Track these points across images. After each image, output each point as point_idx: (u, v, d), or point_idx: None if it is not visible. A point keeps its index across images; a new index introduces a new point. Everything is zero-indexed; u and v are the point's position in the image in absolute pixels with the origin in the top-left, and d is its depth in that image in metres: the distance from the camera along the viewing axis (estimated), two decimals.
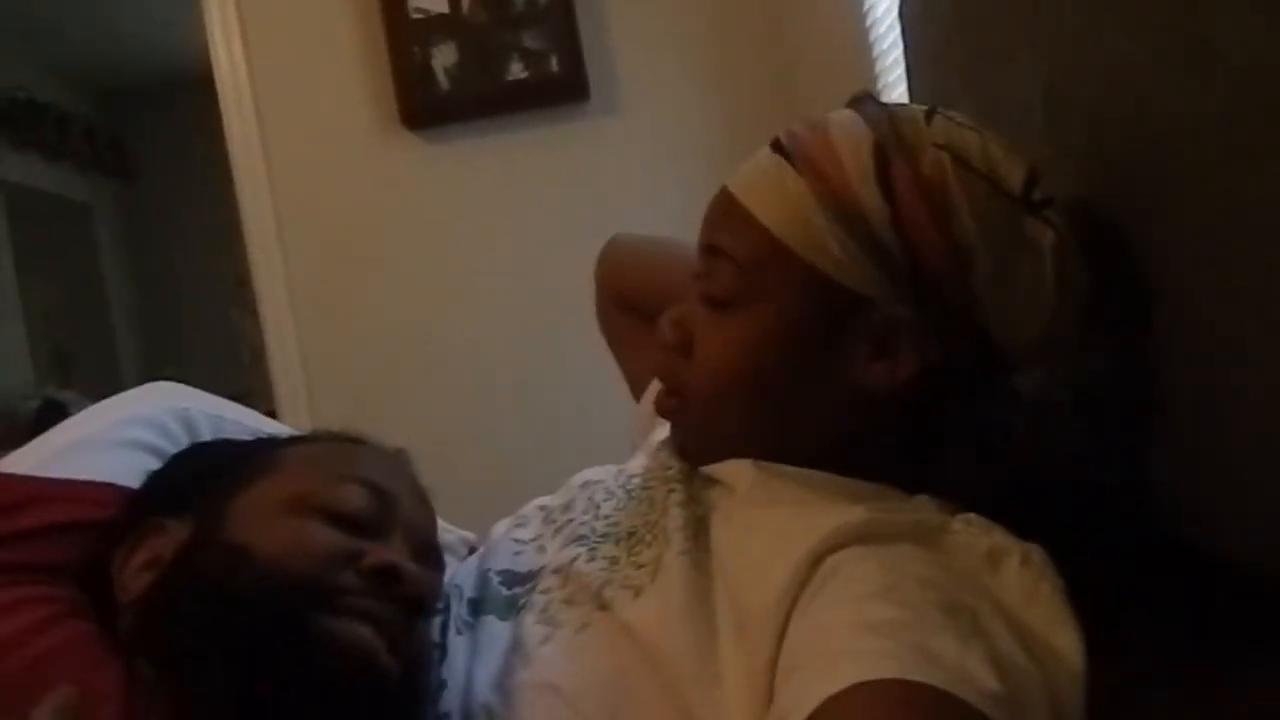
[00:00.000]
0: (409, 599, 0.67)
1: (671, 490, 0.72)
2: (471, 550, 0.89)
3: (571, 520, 0.79)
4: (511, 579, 0.76)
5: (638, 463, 0.82)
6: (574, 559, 0.71)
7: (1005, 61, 0.81)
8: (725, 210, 0.70)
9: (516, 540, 0.81)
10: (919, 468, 0.67)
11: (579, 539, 0.74)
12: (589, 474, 0.86)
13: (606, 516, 0.76)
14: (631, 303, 1.02)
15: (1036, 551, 0.59)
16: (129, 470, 0.76)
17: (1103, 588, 0.61)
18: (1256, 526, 0.57)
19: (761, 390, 0.68)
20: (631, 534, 0.71)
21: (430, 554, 0.74)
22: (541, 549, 0.78)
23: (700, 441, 0.73)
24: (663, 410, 0.76)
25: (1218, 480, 0.60)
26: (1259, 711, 0.53)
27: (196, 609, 0.64)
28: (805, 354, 0.67)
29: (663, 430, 0.80)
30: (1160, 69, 0.58)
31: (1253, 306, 0.53)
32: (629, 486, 0.78)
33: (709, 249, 0.70)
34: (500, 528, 0.85)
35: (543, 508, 0.85)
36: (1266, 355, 0.52)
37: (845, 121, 0.68)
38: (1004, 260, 0.63)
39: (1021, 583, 0.58)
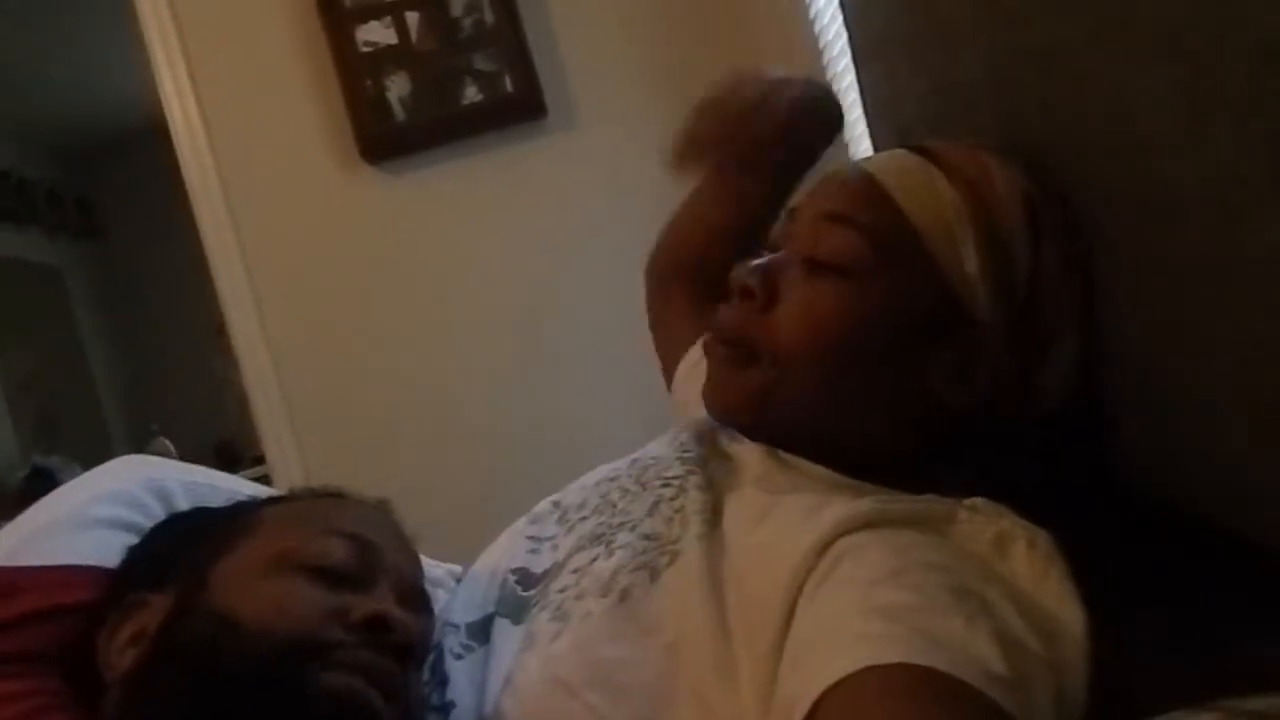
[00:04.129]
0: (400, 647, 0.67)
1: (691, 472, 0.72)
2: (458, 580, 0.88)
3: (586, 519, 0.78)
4: (527, 579, 0.76)
5: (655, 449, 0.82)
6: (593, 559, 0.71)
7: (951, 44, 0.81)
8: (862, 186, 0.71)
9: (532, 538, 0.81)
10: (932, 481, 0.68)
11: (597, 538, 0.73)
12: (602, 472, 0.85)
13: (625, 511, 0.75)
14: (698, 272, 1.01)
15: (1043, 536, 0.60)
16: (106, 550, 0.75)
17: (1101, 562, 0.61)
18: (1243, 496, 0.57)
19: (849, 361, 0.68)
20: (651, 514, 0.71)
21: (418, 600, 0.74)
22: (556, 548, 0.78)
23: (760, 396, 0.71)
24: (714, 353, 0.75)
25: (1204, 451, 0.60)
26: (1256, 676, 0.52)
27: (185, 680, 0.63)
28: (899, 342, 0.68)
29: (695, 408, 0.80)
30: (1102, 48, 0.57)
31: (1197, 278, 0.53)
32: (644, 478, 0.77)
33: (832, 216, 0.70)
34: (519, 524, 0.85)
35: (556, 504, 0.84)
36: (1210, 326, 0.52)
37: (996, 157, 0.71)
38: (1082, 345, 0.68)
39: (1030, 566, 0.58)
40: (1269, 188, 0.46)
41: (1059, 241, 0.68)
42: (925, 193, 0.69)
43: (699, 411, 0.79)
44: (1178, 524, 0.62)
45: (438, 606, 0.79)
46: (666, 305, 0.99)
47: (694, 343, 0.92)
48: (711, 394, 0.75)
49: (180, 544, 0.73)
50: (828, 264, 0.69)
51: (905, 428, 0.70)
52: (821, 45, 1.73)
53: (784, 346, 0.70)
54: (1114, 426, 0.67)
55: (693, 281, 1.03)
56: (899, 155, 0.72)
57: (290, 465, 2.25)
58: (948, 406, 0.68)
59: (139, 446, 4.51)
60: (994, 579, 0.57)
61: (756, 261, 0.72)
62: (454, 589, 0.87)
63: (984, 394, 0.68)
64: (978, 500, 0.63)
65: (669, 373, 1.03)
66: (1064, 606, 0.56)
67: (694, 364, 0.93)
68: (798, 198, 0.75)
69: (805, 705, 0.48)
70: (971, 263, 0.67)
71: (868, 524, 0.60)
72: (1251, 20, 0.43)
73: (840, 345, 0.68)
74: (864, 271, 0.68)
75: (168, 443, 4.50)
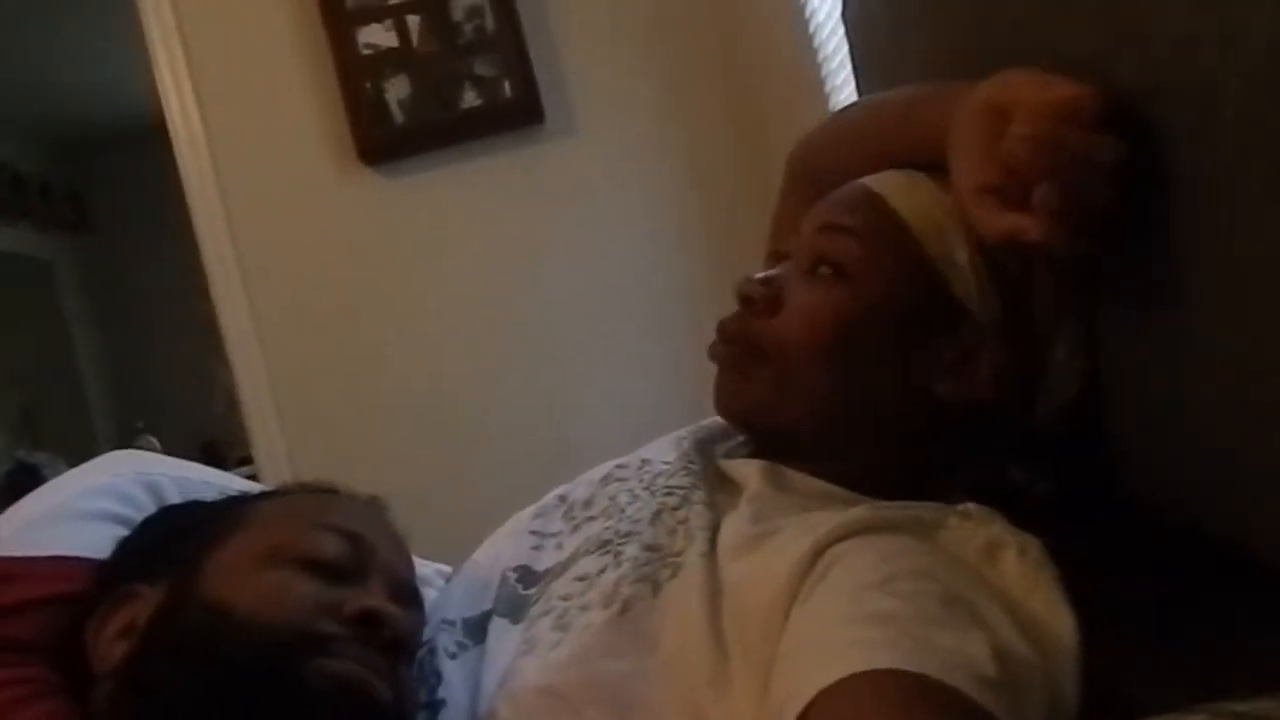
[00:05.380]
0: (391, 641, 0.67)
1: (695, 486, 0.73)
2: (448, 580, 0.88)
3: (592, 519, 0.78)
4: (528, 577, 0.76)
5: (662, 453, 0.82)
6: (602, 570, 0.71)
7: (954, 58, 0.82)
8: (857, 198, 0.73)
9: (536, 534, 0.81)
10: (929, 490, 0.68)
11: (604, 545, 0.73)
12: (610, 466, 0.85)
13: (632, 519, 0.75)
14: (826, 181, 0.90)
15: (1033, 543, 0.60)
16: (96, 542, 0.75)
17: (1094, 566, 0.62)
18: (1237, 502, 0.58)
19: (852, 355, 0.70)
20: (654, 523, 0.71)
21: (409, 595, 0.74)
22: (560, 546, 0.78)
23: (769, 396, 0.72)
24: (720, 356, 0.76)
25: (1193, 453, 0.60)
26: (1248, 679, 0.53)
27: (178, 670, 0.63)
28: (897, 335, 0.69)
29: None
30: (1106, 60, 0.58)
31: (1194, 277, 0.53)
32: (653, 487, 0.77)
33: (828, 228, 0.72)
34: (524, 516, 0.85)
35: (562, 499, 0.84)
36: (1208, 326, 0.53)
37: None
38: (1081, 344, 0.67)
39: (1020, 573, 0.59)
40: (1267, 189, 0.46)
41: None
42: (915, 194, 0.70)
43: None
44: (1172, 527, 0.62)
45: (427, 603, 0.79)
46: (784, 199, 0.95)
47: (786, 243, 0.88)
48: (721, 397, 0.75)
49: (172, 536, 0.73)
50: (826, 266, 0.71)
51: (904, 424, 0.70)
52: (820, 59, 1.74)
53: (790, 345, 0.71)
54: (1110, 430, 0.67)
55: (817, 188, 0.93)
56: (898, 173, 0.73)
57: (279, 466, 2.24)
58: (945, 401, 0.69)
59: (124, 443, 4.48)
60: (984, 586, 0.58)
61: (758, 274, 0.74)
62: (445, 586, 0.87)
63: (981, 390, 0.68)
64: (970, 506, 0.64)
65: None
66: (1054, 612, 0.57)
67: None
68: (804, 218, 0.76)
69: (795, 710, 0.48)
70: (962, 254, 0.68)
71: (860, 530, 0.61)
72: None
73: (842, 341, 0.69)
74: (860, 269, 0.70)
75: (153, 440, 4.47)
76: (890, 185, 0.72)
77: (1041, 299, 0.68)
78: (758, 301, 0.72)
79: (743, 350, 0.73)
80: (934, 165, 0.68)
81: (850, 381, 0.70)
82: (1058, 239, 0.55)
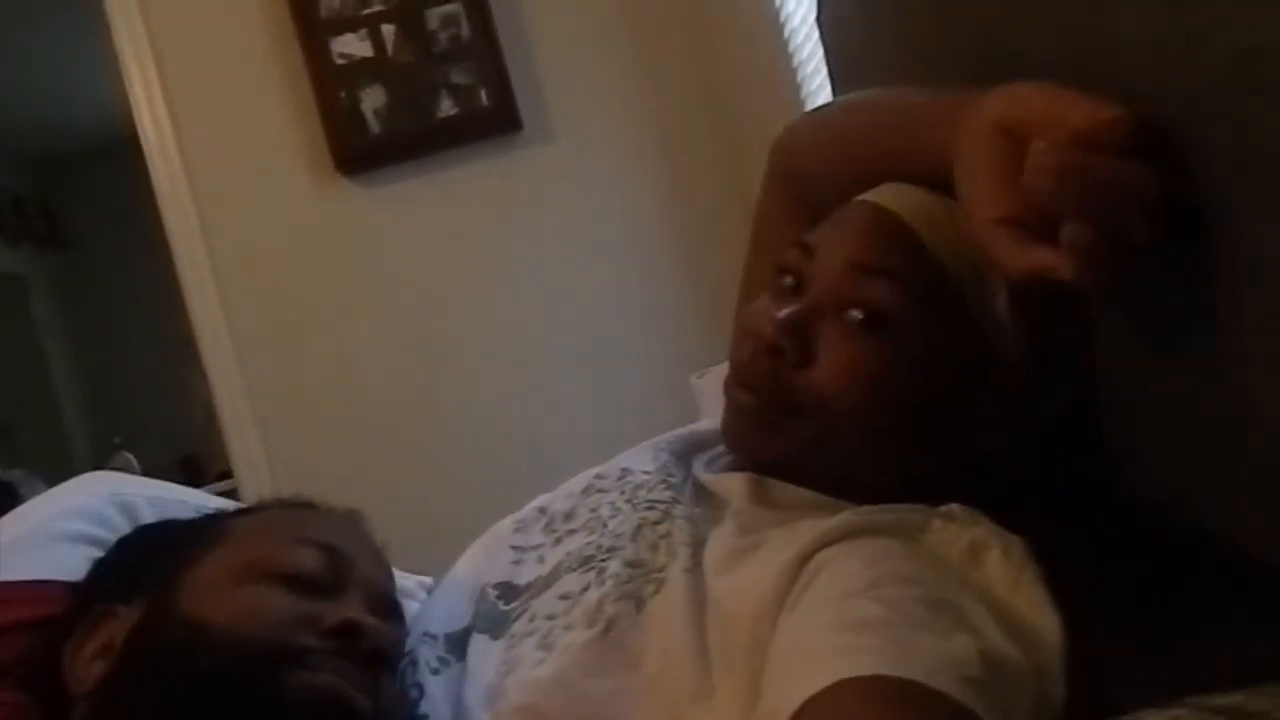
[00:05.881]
0: (371, 654, 0.67)
1: (676, 500, 0.72)
2: (429, 592, 0.88)
3: (574, 532, 0.77)
4: (509, 592, 0.75)
5: (641, 463, 0.80)
6: (585, 588, 0.70)
7: (926, 60, 0.82)
8: (889, 230, 0.67)
9: (516, 548, 0.80)
10: (913, 496, 0.68)
11: (586, 561, 0.72)
12: (590, 477, 0.84)
13: (614, 533, 0.73)
14: (810, 188, 0.86)
15: (1017, 544, 0.60)
16: (70, 565, 0.75)
17: (1079, 564, 0.62)
18: (1225, 500, 0.58)
19: (896, 414, 0.67)
20: (635, 539, 0.70)
21: (389, 608, 0.74)
22: (541, 559, 0.77)
23: (803, 449, 0.68)
24: (745, 406, 0.70)
25: (1181, 453, 0.61)
26: (1233, 673, 0.53)
27: (157, 688, 0.63)
28: (938, 391, 0.67)
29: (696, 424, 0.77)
30: (1073, 64, 0.59)
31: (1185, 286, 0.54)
32: (635, 500, 0.76)
33: (864, 269, 0.67)
34: (504, 528, 0.84)
35: (542, 510, 0.83)
36: (1199, 335, 0.53)
37: None
38: (1085, 360, 0.65)
39: (1004, 574, 0.59)
40: (1254, 202, 0.46)
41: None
42: (950, 231, 0.66)
43: None
44: (1157, 522, 0.63)
45: (408, 615, 0.79)
46: (768, 195, 0.89)
47: (772, 246, 0.82)
48: (744, 444, 0.72)
49: (148, 555, 0.73)
50: (867, 318, 0.66)
51: (934, 469, 0.69)
52: (796, 63, 1.75)
53: (829, 402, 0.66)
54: (1108, 428, 0.67)
55: (802, 189, 0.88)
56: (910, 190, 0.69)
57: (259, 479, 2.23)
58: (978, 447, 0.68)
59: (101, 459, 4.44)
60: (969, 588, 0.58)
61: (783, 314, 0.68)
62: (426, 598, 0.87)
63: (1008, 428, 0.68)
64: (954, 507, 0.63)
65: (750, 290, 0.89)
66: (1039, 612, 0.57)
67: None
68: (815, 235, 0.71)
69: (782, 719, 0.48)
70: (1001, 299, 0.66)
71: (845, 535, 0.60)
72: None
73: (887, 399, 0.66)
74: (902, 322, 0.66)
75: (130, 456, 4.43)
76: (923, 219, 0.67)
77: (1069, 330, 0.66)
78: (789, 353, 0.67)
79: (774, 402, 0.69)
80: (932, 180, 0.65)
81: (891, 439, 0.68)
82: (1091, 278, 0.49)
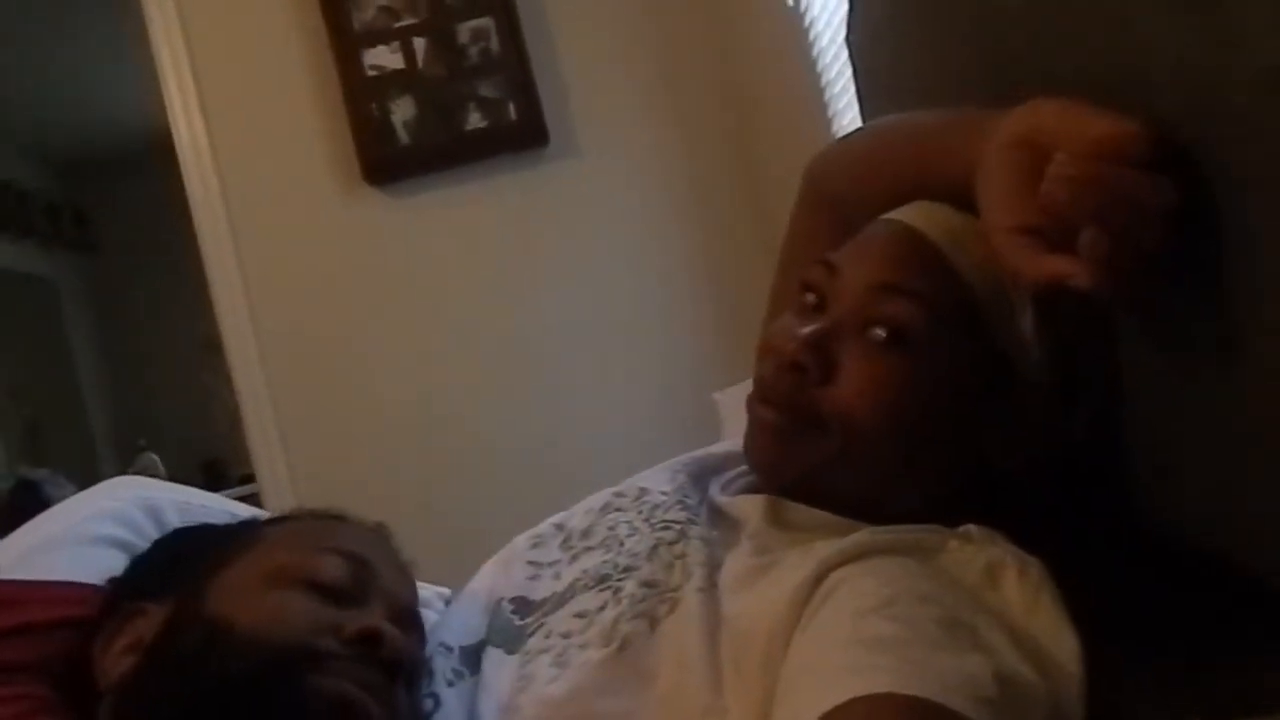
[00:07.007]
0: (390, 662, 0.68)
1: (692, 521, 0.72)
2: (448, 603, 0.88)
3: (591, 550, 0.78)
4: (524, 607, 0.76)
5: (659, 483, 0.81)
6: (601, 607, 0.70)
7: (955, 81, 0.83)
8: (913, 249, 0.68)
9: (533, 564, 0.80)
10: (932, 517, 0.68)
11: (603, 580, 0.73)
12: (608, 495, 0.84)
13: (631, 553, 0.74)
14: (839, 210, 0.86)
15: (1034, 564, 0.60)
16: (98, 567, 0.76)
17: (1096, 588, 0.62)
18: (1242, 520, 0.58)
19: (917, 431, 0.67)
20: (651, 559, 0.71)
21: (410, 620, 0.75)
22: (557, 576, 0.78)
23: (825, 465, 0.68)
24: (768, 423, 0.70)
25: (1196, 473, 0.61)
26: (1247, 699, 0.53)
27: (179, 686, 0.64)
28: (958, 409, 0.67)
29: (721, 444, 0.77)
30: (1101, 84, 0.59)
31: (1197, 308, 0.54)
32: (652, 519, 0.76)
33: (887, 286, 0.67)
34: (521, 543, 0.84)
35: (559, 527, 0.84)
36: (1210, 356, 0.53)
37: None
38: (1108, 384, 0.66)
39: (1022, 595, 0.59)
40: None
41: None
42: (975, 249, 0.66)
43: None
44: (1175, 544, 0.62)
45: (426, 626, 0.80)
46: (801, 211, 0.89)
47: (800, 266, 0.81)
48: (767, 460, 0.72)
49: (181, 557, 0.75)
50: (890, 336, 0.66)
51: (954, 488, 0.69)
52: (824, 83, 1.76)
53: (852, 418, 0.66)
54: (1123, 450, 0.67)
55: (833, 210, 0.87)
56: (937, 208, 0.69)
57: (281, 485, 2.25)
58: (998, 466, 0.68)
59: (125, 461, 4.50)
60: (985, 609, 0.58)
61: (805, 332, 0.68)
62: (444, 609, 0.87)
63: (1029, 448, 0.68)
64: (970, 528, 0.64)
65: (777, 305, 0.89)
66: (1056, 634, 0.57)
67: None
68: (839, 253, 0.72)
69: None
70: (1025, 319, 0.66)
71: (861, 554, 0.61)
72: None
73: (908, 416, 0.66)
74: (924, 340, 0.66)
75: (155, 458, 4.48)
76: (947, 236, 0.67)
77: (1092, 351, 0.66)
78: (812, 370, 0.68)
79: (796, 418, 0.69)
80: (955, 198, 0.65)
81: (911, 456, 0.68)
82: (1107, 287, 0.50)
